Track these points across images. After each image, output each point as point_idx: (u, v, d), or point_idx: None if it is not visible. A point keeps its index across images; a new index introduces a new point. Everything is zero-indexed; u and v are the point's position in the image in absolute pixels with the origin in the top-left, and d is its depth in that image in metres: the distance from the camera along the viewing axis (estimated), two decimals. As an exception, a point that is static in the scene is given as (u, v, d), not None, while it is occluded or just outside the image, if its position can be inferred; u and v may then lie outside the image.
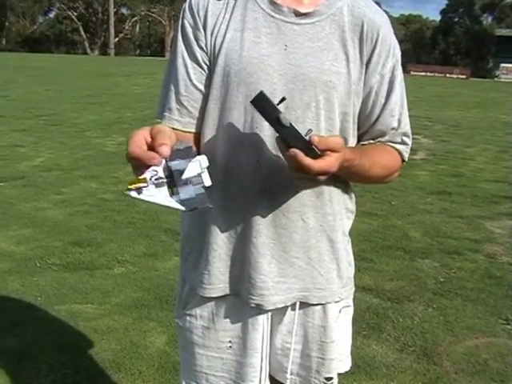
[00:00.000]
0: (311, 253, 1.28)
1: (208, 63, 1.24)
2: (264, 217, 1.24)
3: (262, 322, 1.31)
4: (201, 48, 1.24)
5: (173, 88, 1.26)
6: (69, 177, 6.50)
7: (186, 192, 0.97)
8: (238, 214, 1.26)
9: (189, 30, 1.25)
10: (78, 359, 2.78)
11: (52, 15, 67.67)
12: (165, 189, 0.96)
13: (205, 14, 1.23)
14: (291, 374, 1.36)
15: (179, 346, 1.46)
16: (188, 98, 1.25)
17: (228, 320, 1.33)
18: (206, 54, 1.24)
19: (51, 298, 3.41)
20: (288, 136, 1.07)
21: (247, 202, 1.24)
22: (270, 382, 1.39)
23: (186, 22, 1.25)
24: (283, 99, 1.10)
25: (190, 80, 1.25)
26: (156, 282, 3.69)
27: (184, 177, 0.97)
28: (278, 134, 1.09)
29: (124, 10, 66.94)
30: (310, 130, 1.08)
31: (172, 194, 0.97)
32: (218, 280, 1.29)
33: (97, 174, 6.63)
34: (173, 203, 0.96)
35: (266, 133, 1.20)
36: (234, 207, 1.25)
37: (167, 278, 3.68)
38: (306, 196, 1.24)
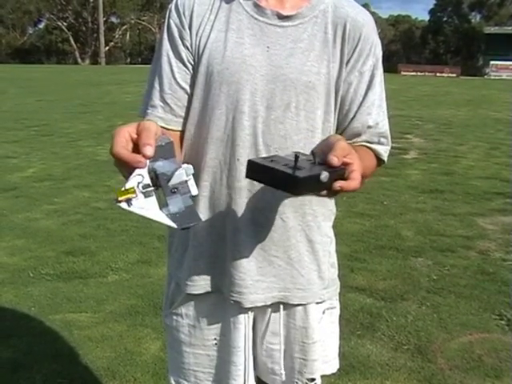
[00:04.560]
0: (291, 252, 1.29)
1: (193, 63, 1.26)
2: (243, 215, 1.25)
3: (244, 321, 1.31)
4: (186, 47, 1.25)
5: (157, 86, 1.27)
6: (61, 186, 6.49)
7: (175, 204, 0.97)
8: (218, 211, 1.27)
9: (174, 29, 1.26)
10: (73, 368, 2.78)
11: (42, 26, 67.73)
12: (154, 199, 0.96)
13: (190, 14, 1.25)
14: (275, 374, 1.36)
15: (167, 345, 1.47)
16: (172, 96, 1.26)
17: (212, 318, 1.34)
18: (191, 53, 1.26)
19: (45, 308, 3.41)
20: (307, 183, 0.98)
21: (228, 200, 1.25)
22: (257, 382, 1.40)
23: (171, 21, 1.27)
24: (297, 157, 0.99)
25: (175, 78, 1.26)
26: (150, 288, 3.69)
27: (171, 184, 0.98)
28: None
29: (114, 19, 67.02)
30: (299, 153, 1.02)
31: (161, 206, 0.98)
32: (200, 277, 1.31)
33: (89, 183, 6.63)
34: (164, 218, 0.97)
35: (247, 131, 1.22)
36: (215, 205, 1.27)
37: (161, 284, 3.65)
38: (285, 195, 1.24)
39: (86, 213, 5.45)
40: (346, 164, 1.01)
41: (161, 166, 0.98)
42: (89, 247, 4.47)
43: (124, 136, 0.95)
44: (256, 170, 1.01)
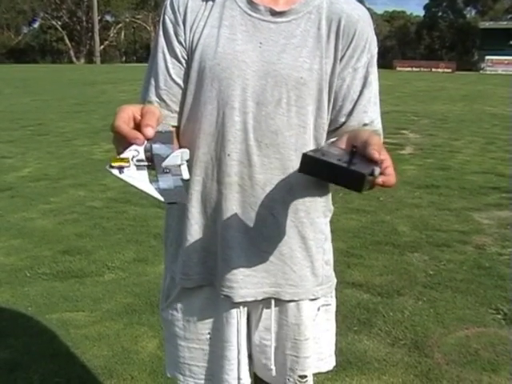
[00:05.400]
0: (282, 248, 1.28)
1: (186, 58, 1.27)
2: (233, 210, 1.25)
3: (236, 315, 1.31)
4: (180, 43, 1.26)
5: (153, 82, 1.29)
6: (57, 186, 6.48)
7: (165, 181, 0.98)
8: (210, 206, 1.28)
9: (169, 25, 1.27)
10: (71, 367, 2.78)
11: (36, 25, 67.51)
12: (145, 173, 0.97)
13: (185, 10, 1.26)
14: (268, 370, 1.37)
15: (164, 339, 1.48)
16: (167, 92, 1.28)
17: (205, 312, 1.35)
18: (185, 49, 1.27)
19: (42, 308, 3.41)
20: (367, 179, 0.99)
21: (218, 195, 1.26)
22: (255, 378, 1.40)
23: (166, 17, 1.28)
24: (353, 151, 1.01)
25: (169, 75, 1.27)
26: (146, 287, 3.69)
27: (164, 164, 0.99)
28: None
29: (108, 18, 66.76)
30: (325, 147, 1.04)
31: (151, 180, 0.98)
32: (192, 271, 1.32)
33: (85, 182, 6.62)
34: (152, 191, 0.97)
35: (238, 127, 1.22)
36: (207, 200, 1.28)
37: (157, 282, 3.67)
38: (275, 191, 1.25)
39: (81, 212, 5.44)
40: (381, 160, 1.02)
41: (157, 148, 0.99)
42: (85, 246, 4.46)
43: (128, 113, 0.99)
44: (313, 165, 1.01)
